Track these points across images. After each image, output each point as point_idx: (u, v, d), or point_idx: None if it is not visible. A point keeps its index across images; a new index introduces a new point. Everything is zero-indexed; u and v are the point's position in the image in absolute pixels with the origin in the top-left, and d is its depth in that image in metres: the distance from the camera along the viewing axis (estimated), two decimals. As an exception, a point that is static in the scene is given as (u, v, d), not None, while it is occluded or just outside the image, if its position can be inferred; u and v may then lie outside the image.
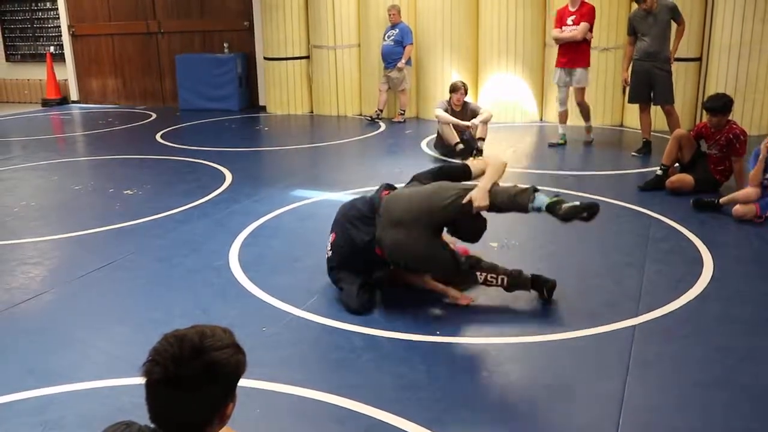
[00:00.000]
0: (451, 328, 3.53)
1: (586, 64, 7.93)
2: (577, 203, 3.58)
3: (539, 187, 3.72)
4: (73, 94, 13.35)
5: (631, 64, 7.43)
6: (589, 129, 8.22)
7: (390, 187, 4.01)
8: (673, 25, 7.23)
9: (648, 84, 7.28)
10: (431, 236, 3.76)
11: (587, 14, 7.77)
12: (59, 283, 4.38)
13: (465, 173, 4.02)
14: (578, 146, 8.12)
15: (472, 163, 4.17)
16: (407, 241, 3.70)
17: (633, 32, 7.31)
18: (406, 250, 3.73)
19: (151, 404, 1.62)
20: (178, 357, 1.58)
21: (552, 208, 3.57)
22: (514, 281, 3.83)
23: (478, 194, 3.65)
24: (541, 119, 10.01)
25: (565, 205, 3.56)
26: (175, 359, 1.57)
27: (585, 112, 8.14)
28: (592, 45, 8.07)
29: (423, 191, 3.83)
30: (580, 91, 8.02)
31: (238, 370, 1.66)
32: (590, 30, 7.82)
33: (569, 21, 7.82)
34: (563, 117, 8.19)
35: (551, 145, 8.13)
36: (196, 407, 1.61)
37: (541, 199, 3.61)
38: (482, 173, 3.84)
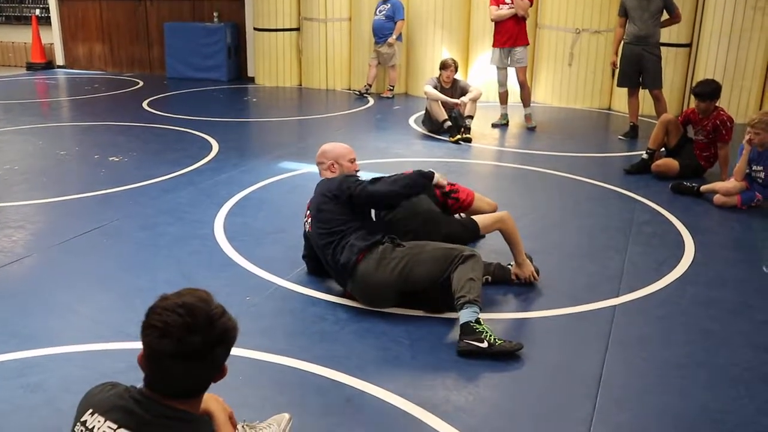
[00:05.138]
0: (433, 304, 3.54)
1: (525, 42, 7.87)
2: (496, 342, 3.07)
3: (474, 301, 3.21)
4: (59, 59, 13.15)
5: (620, 47, 7.41)
6: (528, 116, 8.05)
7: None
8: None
9: (637, 68, 7.26)
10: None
11: None
12: (42, 247, 4.35)
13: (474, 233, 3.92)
14: (564, 129, 8.13)
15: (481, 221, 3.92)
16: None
17: (624, 13, 7.25)
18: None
19: (154, 373, 1.60)
20: (193, 328, 1.55)
21: (465, 328, 3.12)
22: (497, 278, 3.82)
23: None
24: (530, 100, 9.99)
25: (472, 340, 3.07)
26: (189, 330, 1.54)
27: (526, 95, 8.02)
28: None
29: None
30: (522, 71, 7.93)
31: (237, 332, 1.67)
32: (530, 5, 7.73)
33: None
34: (504, 97, 8.12)
35: (494, 125, 8.03)
36: (203, 372, 1.63)
37: (467, 314, 3.15)
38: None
